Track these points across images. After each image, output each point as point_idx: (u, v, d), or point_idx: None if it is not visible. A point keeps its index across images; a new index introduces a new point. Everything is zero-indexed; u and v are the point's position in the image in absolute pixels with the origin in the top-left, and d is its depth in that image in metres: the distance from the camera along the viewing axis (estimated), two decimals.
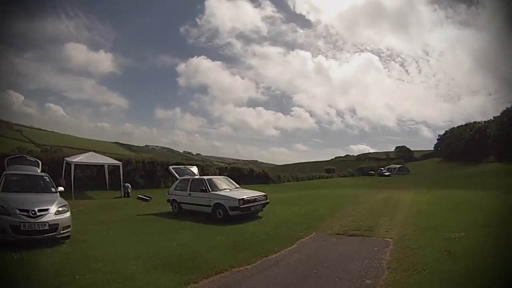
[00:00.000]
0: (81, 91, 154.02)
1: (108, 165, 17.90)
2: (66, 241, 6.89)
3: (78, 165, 16.09)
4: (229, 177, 27.29)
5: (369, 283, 4.60)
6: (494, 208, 10.80)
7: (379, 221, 9.36)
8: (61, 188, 8.26)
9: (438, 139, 71.63)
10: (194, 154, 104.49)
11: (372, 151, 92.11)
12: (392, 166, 55.92)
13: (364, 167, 55.07)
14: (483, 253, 5.62)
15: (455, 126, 66.04)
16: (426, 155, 75.11)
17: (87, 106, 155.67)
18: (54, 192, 7.88)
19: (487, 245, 6.17)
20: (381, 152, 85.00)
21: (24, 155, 10.72)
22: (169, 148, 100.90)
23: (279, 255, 6.31)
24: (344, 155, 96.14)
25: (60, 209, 6.92)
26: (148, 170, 21.40)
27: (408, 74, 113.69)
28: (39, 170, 9.59)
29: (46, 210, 6.62)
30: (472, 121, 60.79)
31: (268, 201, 11.10)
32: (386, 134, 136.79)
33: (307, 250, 6.73)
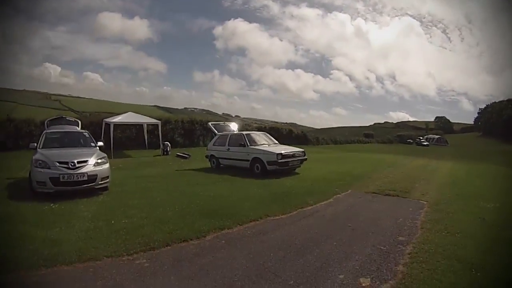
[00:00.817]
0: (118, 58, 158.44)
1: (147, 124, 18.10)
2: (104, 192, 6.93)
3: (117, 126, 16.42)
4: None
5: (403, 240, 4.45)
6: None
7: (415, 185, 8.84)
8: (100, 143, 8.28)
9: (478, 113, 69.42)
10: (233, 116, 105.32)
11: (411, 119, 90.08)
12: (431, 136, 53.86)
13: (402, 135, 54.00)
14: None
15: (497, 101, 62.59)
16: (465, 128, 72.91)
17: (125, 72, 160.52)
18: (93, 147, 7.92)
19: None
20: (421, 121, 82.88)
21: (64, 116, 10.91)
22: (208, 110, 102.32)
23: (314, 208, 6.16)
24: (383, 122, 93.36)
25: (99, 160, 6.95)
26: (187, 129, 21.48)
27: (451, 42, 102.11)
28: (78, 129, 9.67)
29: (85, 161, 6.66)
30: None
31: (306, 157, 10.66)
32: (426, 103, 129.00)
33: (342, 205, 6.54)
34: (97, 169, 6.71)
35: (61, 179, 6.28)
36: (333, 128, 76.32)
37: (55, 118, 10.22)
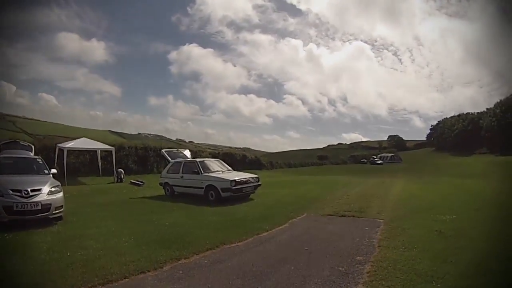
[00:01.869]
0: (73, 79, 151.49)
1: (101, 151, 17.83)
2: (59, 222, 6.93)
3: (70, 151, 16.02)
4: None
5: (361, 259, 4.69)
6: (486, 194, 10.95)
7: (371, 204, 9.54)
8: (54, 171, 8.28)
9: (430, 129, 72.87)
10: (187, 141, 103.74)
11: (364, 139, 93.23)
12: (385, 154, 56.22)
13: (356, 155, 55.60)
14: (474, 233, 5.71)
15: (448, 116, 66.85)
16: (418, 144, 75.52)
17: (80, 95, 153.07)
18: (47, 174, 7.89)
19: (478, 226, 6.26)
20: (374, 141, 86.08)
21: (18, 140, 10.76)
22: (162, 136, 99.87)
23: (270, 233, 6.47)
24: (337, 143, 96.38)
25: (53, 189, 6.93)
26: (141, 155, 21.39)
27: (402, 63, 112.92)
28: (32, 154, 9.58)
29: (39, 190, 6.62)
30: (465, 112, 61.71)
31: (260, 183, 11.25)
32: (378, 123, 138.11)
33: (298, 229, 6.85)
34: (51, 197, 6.69)
35: (15, 208, 6.21)
36: (287, 151, 78.58)
37: (9, 142, 10.05)
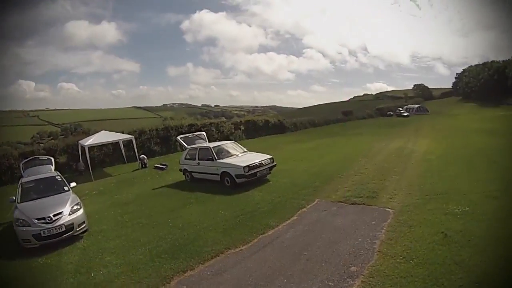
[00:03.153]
0: (90, 64, 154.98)
1: (125, 140, 18.35)
2: (85, 235, 7.58)
3: (90, 147, 16.71)
4: (245, 130, 28.04)
5: (354, 271, 4.69)
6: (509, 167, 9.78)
7: (386, 183, 9.04)
8: (73, 184, 8.89)
9: (456, 77, 69.39)
10: (213, 106, 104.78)
11: (390, 89, 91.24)
12: (411, 106, 54.31)
13: (382, 108, 53.98)
14: (482, 242, 5.07)
15: (472, 64, 63.26)
16: (445, 93, 73.04)
17: (99, 77, 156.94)
18: (67, 191, 8.41)
19: (490, 229, 5.51)
20: (399, 90, 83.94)
21: (37, 156, 11.48)
22: (187, 104, 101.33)
23: (276, 232, 6.54)
24: (362, 94, 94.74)
25: (74, 207, 7.50)
26: (162, 136, 21.81)
27: (420, 9, 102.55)
28: (52, 168, 10.18)
29: (60, 213, 7.21)
30: (490, 60, 57.49)
31: (274, 163, 11.09)
32: (402, 71, 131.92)
33: (304, 223, 6.84)
34: (72, 217, 7.26)
35: (42, 234, 6.86)
36: (313, 106, 77.12)
37: (29, 160, 10.64)
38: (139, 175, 15.35)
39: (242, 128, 28.35)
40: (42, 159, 10.53)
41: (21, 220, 7.00)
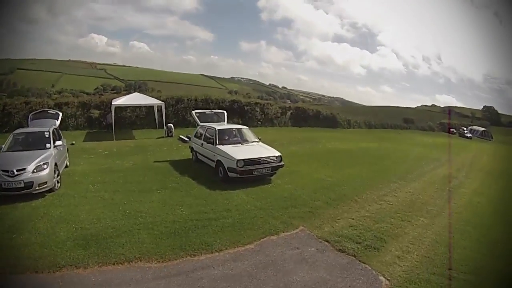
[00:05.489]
0: (163, 27, 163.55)
1: (157, 105, 18.36)
2: (51, 193, 7.54)
3: (124, 107, 17.01)
4: (292, 117, 26.24)
5: None
6: None
7: (406, 227, 6.74)
8: (58, 142, 8.72)
9: None
10: (280, 87, 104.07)
11: (458, 104, 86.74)
12: (475, 128, 49.82)
13: (446, 123, 50.22)
14: None
15: None
16: None
17: (171, 41, 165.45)
18: (47, 148, 8.24)
19: None
20: (467, 108, 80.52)
21: (46, 109, 11.75)
22: (255, 80, 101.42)
23: (209, 260, 5.05)
24: (430, 104, 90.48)
25: (40, 166, 7.34)
26: (201, 108, 21.40)
27: (501, 24, 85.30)
28: (57, 123, 10.25)
29: (24, 169, 7.13)
30: None
31: (281, 163, 9.41)
32: (473, 89, 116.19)
33: (255, 260, 5.09)
34: (34, 176, 7.15)
35: (3, 186, 6.93)
36: (377, 106, 71.70)
37: (38, 112, 10.91)
38: (158, 144, 15.17)
39: (291, 113, 26.58)
40: (51, 113, 10.72)
41: None
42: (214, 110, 13.07)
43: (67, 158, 10.00)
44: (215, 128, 10.20)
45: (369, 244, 5.76)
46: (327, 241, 5.84)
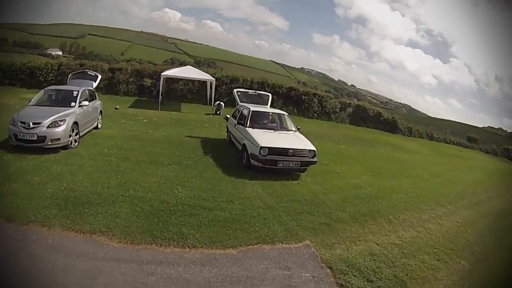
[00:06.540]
0: (238, 10, 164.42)
1: (209, 81, 18.06)
2: (65, 151, 7.60)
3: (176, 79, 16.97)
4: (352, 115, 23.83)
5: None
6: None
7: (437, 273, 4.77)
8: (85, 102, 8.72)
9: None
10: (349, 84, 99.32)
11: None
12: None
13: (511, 149, 40.25)
14: None
15: None
16: None
17: (244, 24, 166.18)
18: (72, 107, 8.25)
19: None
20: None
21: (86, 70, 11.89)
22: (324, 74, 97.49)
23: (175, 257, 4.15)
24: (497, 127, 79.89)
25: (56, 123, 7.39)
26: (254, 89, 20.66)
27: None
28: (95, 84, 10.33)
29: (39, 123, 7.23)
30: None
31: (314, 160, 8.01)
32: None
33: (224, 272, 3.98)
34: (48, 130, 7.23)
35: (19, 136, 7.13)
36: (442, 119, 63.37)
37: (78, 72, 11.20)
38: (201, 119, 14.82)
39: (349, 111, 24.26)
40: (90, 74, 10.85)
41: (13, 119, 7.35)
42: (258, 92, 12.07)
43: (99, 120, 10.09)
44: (250, 109, 9.28)
45: (382, 287, 4.19)
46: (330, 268, 4.39)
